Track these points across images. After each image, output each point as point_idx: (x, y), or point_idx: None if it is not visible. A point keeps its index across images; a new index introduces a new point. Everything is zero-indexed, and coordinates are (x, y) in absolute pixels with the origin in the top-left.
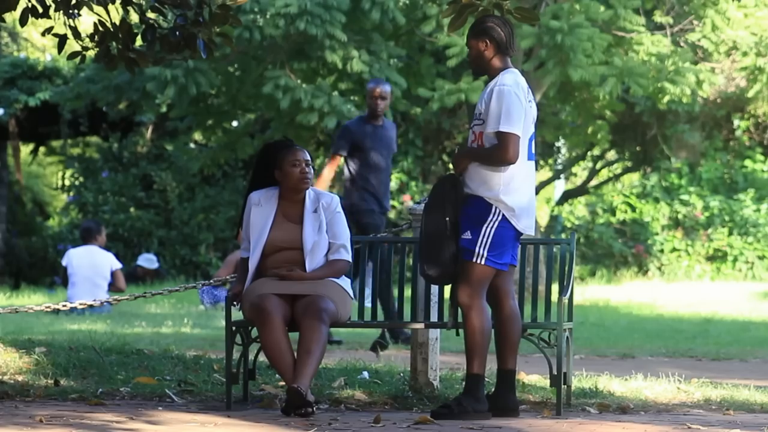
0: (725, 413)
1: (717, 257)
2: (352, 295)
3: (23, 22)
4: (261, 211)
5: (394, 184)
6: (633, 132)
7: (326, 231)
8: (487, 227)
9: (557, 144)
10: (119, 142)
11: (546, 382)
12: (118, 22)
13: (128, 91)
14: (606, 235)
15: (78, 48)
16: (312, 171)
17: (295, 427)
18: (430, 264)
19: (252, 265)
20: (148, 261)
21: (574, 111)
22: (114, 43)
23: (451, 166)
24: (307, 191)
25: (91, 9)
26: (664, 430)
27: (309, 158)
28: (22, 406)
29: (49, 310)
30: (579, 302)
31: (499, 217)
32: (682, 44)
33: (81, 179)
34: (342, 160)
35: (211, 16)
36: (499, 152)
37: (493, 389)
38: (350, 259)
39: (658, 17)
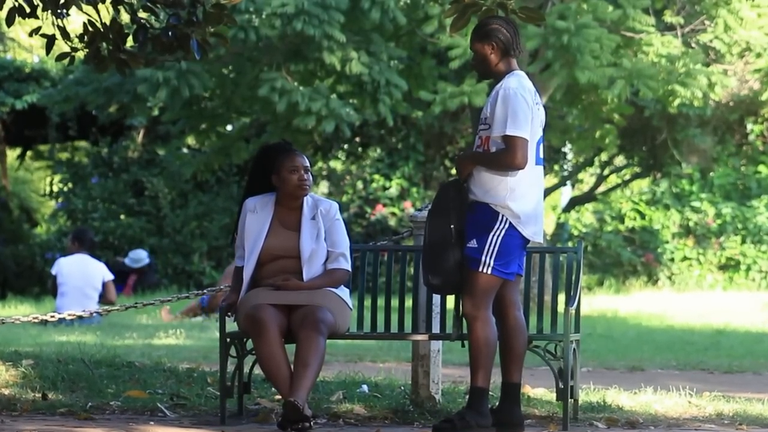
0: (738, 428)
1: (729, 266)
2: (350, 306)
3: (10, 22)
4: (257, 218)
5: (394, 190)
6: (642, 136)
7: (324, 239)
8: (493, 235)
9: (563, 149)
10: (109, 146)
11: (552, 396)
12: (108, 22)
13: (119, 93)
14: (614, 243)
15: (67, 49)
16: (311, 177)
17: None
18: (433, 273)
19: (247, 274)
20: (132, 261)
21: (581, 114)
22: (104, 44)
23: (454, 170)
24: (305, 198)
25: (81, 8)
26: None
27: (308, 164)
28: (8, 420)
29: (36, 321)
30: (586, 313)
31: (506, 225)
32: (693, 45)
33: (70, 185)
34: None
35: (205, 15)
36: (507, 156)
37: (497, 403)
38: (349, 269)
39: (669, 17)
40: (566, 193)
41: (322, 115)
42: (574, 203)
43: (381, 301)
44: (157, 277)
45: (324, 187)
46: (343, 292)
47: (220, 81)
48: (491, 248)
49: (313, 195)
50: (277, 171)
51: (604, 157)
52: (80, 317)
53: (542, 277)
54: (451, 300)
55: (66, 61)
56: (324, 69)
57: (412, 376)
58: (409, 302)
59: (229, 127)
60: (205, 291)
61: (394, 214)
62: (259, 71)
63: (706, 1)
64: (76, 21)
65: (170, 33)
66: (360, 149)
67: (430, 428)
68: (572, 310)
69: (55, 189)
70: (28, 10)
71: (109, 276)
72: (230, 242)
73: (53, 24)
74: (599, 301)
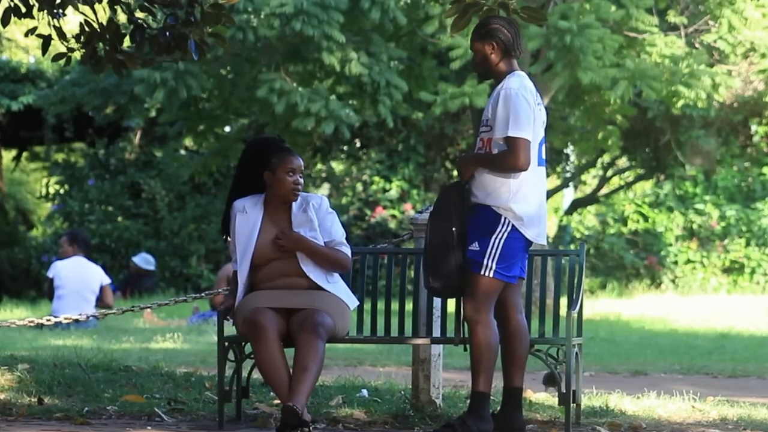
0: None
1: (733, 269)
2: (350, 305)
3: (5, 22)
4: (246, 219)
5: (394, 192)
6: (645, 138)
7: (319, 231)
8: (495, 238)
9: (566, 150)
10: (106, 148)
11: (554, 401)
12: (105, 22)
13: (116, 94)
14: (617, 246)
15: (63, 49)
16: (302, 179)
17: None
18: (435, 276)
19: (242, 276)
20: (144, 261)
21: (583, 116)
22: (101, 44)
23: (455, 173)
24: None
25: (77, 8)
26: None
27: (302, 164)
28: (4, 425)
29: (32, 324)
30: (589, 316)
31: (509, 228)
32: (697, 46)
33: (66, 187)
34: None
35: (202, 15)
36: (510, 158)
37: (498, 408)
38: (350, 256)
39: (672, 17)
40: (568, 195)
41: (322, 117)
42: (577, 205)
43: (381, 305)
44: (154, 281)
45: (324, 189)
46: (344, 293)
47: (218, 82)
48: (493, 251)
49: (301, 192)
50: (272, 169)
51: (606, 158)
52: (77, 321)
53: (544, 280)
54: (452, 303)
55: (62, 61)
56: (323, 70)
57: (412, 381)
58: (409, 305)
59: (227, 129)
60: (203, 294)
61: (394, 216)
62: (258, 72)
63: (710, 0)
64: (72, 21)
65: (168, 33)
66: (360, 151)
67: None
68: (574, 314)
69: (52, 191)
70: (23, 10)
71: (107, 280)
72: (224, 242)
73: (49, 24)
74: (602, 305)
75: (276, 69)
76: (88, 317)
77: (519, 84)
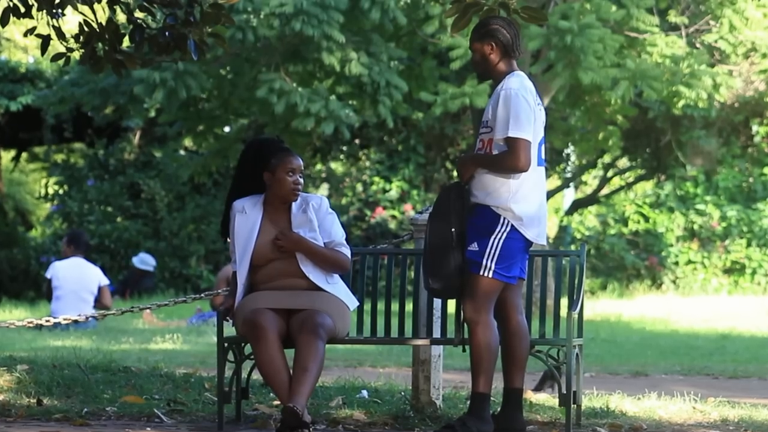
0: None
1: (734, 270)
2: (350, 305)
3: (4, 22)
4: (245, 219)
5: (394, 193)
6: (646, 138)
7: (319, 232)
8: (495, 238)
9: (566, 151)
10: (105, 148)
11: (555, 402)
12: (104, 22)
13: (115, 94)
14: (618, 246)
15: (62, 49)
16: (302, 180)
17: None
18: (434, 277)
19: (241, 277)
20: (140, 261)
21: (584, 116)
22: (100, 44)
23: (455, 173)
24: None
25: (76, 8)
26: None
27: (302, 165)
28: (2, 426)
29: (31, 325)
30: (589, 317)
31: (508, 228)
32: (697, 46)
33: (65, 187)
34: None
35: (202, 15)
36: (510, 159)
37: (498, 409)
38: (350, 257)
39: (673, 17)
40: (569, 196)
41: (321, 117)
42: (577, 206)
43: (381, 306)
44: (154, 281)
45: (324, 189)
46: (345, 294)
47: (218, 82)
48: (493, 251)
49: (301, 193)
50: (272, 170)
51: (607, 159)
52: (76, 321)
53: (544, 281)
54: (452, 304)
55: (61, 61)
56: (323, 70)
57: (412, 382)
58: (409, 306)
59: (226, 129)
60: (202, 295)
61: (394, 216)
62: (258, 72)
63: (710, 0)
64: (71, 21)
65: (167, 33)
66: (360, 151)
67: None
68: (575, 315)
69: (51, 191)
70: (22, 9)
71: (105, 280)
72: (223, 243)
73: (48, 24)
74: (602, 306)
75: (276, 69)
76: (87, 318)
77: (519, 84)
